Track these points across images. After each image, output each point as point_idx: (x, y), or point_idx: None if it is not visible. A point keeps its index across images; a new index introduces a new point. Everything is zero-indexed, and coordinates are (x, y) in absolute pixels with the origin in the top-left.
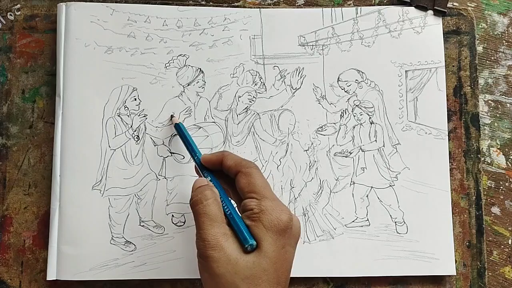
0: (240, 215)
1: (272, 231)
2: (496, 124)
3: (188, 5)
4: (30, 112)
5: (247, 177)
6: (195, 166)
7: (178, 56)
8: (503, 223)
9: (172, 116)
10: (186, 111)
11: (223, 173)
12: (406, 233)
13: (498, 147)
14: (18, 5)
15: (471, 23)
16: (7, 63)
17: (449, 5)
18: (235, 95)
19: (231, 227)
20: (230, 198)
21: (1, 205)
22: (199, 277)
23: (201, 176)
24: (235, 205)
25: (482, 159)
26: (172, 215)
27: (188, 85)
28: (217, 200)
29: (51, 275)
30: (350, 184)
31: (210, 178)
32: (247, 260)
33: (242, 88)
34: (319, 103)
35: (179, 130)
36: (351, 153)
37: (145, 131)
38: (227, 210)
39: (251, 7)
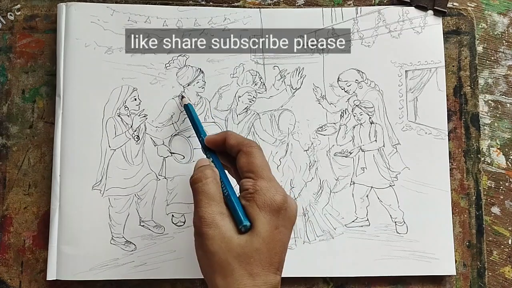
0: (237, 196)
1: (265, 211)
2: (496, 124)
3: (188, 5)
4: (30, 112)
5: (247, 156)
6: (201, 146)
7: (178, 56)
8: (503, 223)
9: (182, 97)
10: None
11: (227, 154)
12: (406, 233)
13: (498, 147)
14: (18, 5)
15: (471, 23)
16: (7, 63)
17: (449, 5)
18: (235, 95)
19: (228, 208)
20: (232, 178)
21: (1, 205)
22: (199, 277)
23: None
24: (235, 185)
25: (482, 159)
26: (172, 215)
27: (188, 85)
28: (216, 180)
29: (51, 275)
30: (350, 184)
31: (212, 159)
32: (241, 239)
33: (242, 88)
34: (319, 103)
35: (188, 111)
36: (351, 153)
37: (145, 131)
38: (225, 190)
39: (251, 7)
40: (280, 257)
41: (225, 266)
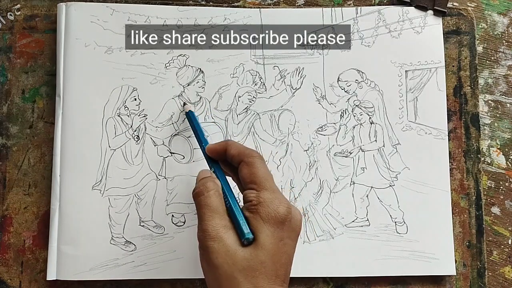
0: (240, 208)
1: (269, 223)
2: (496, 124)
3: (188, 5)
4: (30, 112)
5: (249, 167)
6: (203, 155)
7: (178, 56)
8: (503, 223)
9: (184, 104)
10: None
11: (230, 163)
12: (406, 233)
13: (498, 147)
14: (18, 5)
15: (471, 23)
16: (7, 63)
17: (449, 5)
18: (235, 95)
19: (231, 220)
20: (235, 188)
21: (1, 205)
22: (199, 277)
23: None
24: (239, 196)
25: (482, 159)
26: (172, 215)
27: (188, 85)
28: (218, 192)
29: (51, 275)
30: (350, 184)
31: (214, 169)
32: (245, 252)
33: (242, 88)
34: (319, 103)
35: (190, 118)
36: (351, 153)
37: (145, 131)
38: (227, 202)
39: (251, 7)
40: (286, 269)
41: (231, 280)
